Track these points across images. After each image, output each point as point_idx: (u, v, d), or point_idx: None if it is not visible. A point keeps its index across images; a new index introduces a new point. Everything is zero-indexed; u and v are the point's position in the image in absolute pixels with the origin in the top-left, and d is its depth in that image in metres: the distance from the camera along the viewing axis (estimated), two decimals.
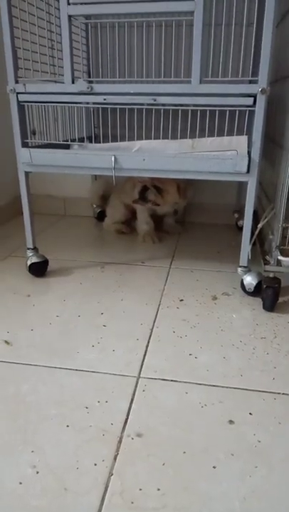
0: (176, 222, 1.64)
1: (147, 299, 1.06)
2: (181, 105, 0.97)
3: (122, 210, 1.58)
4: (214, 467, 0.58)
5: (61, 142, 1.07)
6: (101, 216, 1.67)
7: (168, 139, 1.00)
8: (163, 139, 1.00)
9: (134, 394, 0.72)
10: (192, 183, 1.45)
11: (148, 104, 0.98)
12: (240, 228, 1.63)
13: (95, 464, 0.58)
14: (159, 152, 0.99)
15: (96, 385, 0.74)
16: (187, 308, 1.01)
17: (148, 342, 0.87)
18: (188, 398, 0.71)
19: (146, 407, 0.69)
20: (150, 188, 1.35)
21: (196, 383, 0.75)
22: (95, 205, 1.73)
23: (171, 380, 0.76)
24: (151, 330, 0.92)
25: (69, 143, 1.06)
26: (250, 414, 0.68)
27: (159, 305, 1.03)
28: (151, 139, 1.01)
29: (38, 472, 0.56)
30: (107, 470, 0.57)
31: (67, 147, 1.08)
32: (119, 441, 0.62)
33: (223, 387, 0.74)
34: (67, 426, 0.65)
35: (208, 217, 1.71)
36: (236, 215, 1.64)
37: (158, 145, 1.00)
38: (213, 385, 0.75)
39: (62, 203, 1.79)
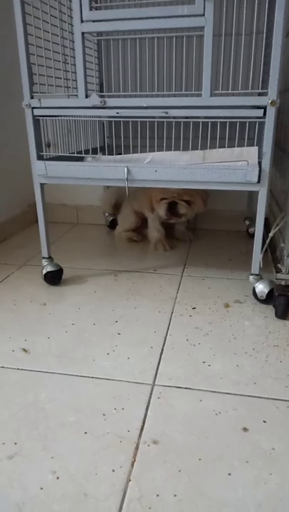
0: (188, 229, 1.66)
1: (160, 306, 1.08)
2: (192, 117, 0.99)
3: (133, 218, 1.60)
4: (229, 474, 0.60)
5: (75, 154, 1.10)
6: (113, 224, 1.70)
7: (179, 149, 1.02)
8: (174, 149, 1.03)
9: (149, 401, 0.74)
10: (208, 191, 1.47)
11: (160, 117, 1.00)
12: (251, 235, 1.64)
13: (113, 470, 0.60)
14: (170, 163, 1.02)
15: (112, 393, 0.76)
16: (200, 316, 1.03)
17: (162, 350, 0.89)
18: (203, 406, 0.73)
19: (162, 414, 0.71)
20: (179, 203, 1.37)
21: (210, 391, 0.76)
22: (107, 214, 1.75)
23: (186, 388, 0.77)
24: (165, 338, 0.94)
25: (83, 155, 1.09)
26: (264, 422, 0.69)
27: (172, 313, 1.05)
28: (162, 149, 1.04)
29: (58, 478, 0.58)
30: (125, 476, 0.59)
31: (80, 159, 1.11)
32: (136, 448, 0.63)
33: (236, 394, 0.76)
34: (85, 433, 0.66)
35: (219, 224, 1.72)
36: (247, 222, 1.65)
37: (169, 156, 1.02)
38: (227, 393, 0.76)
39: (75, 212, 1.82)
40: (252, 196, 1.64)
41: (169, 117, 0.99)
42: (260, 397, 0.75)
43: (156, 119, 1.00)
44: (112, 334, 0.95)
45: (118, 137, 1.09)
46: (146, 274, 1.29)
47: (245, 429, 0.68)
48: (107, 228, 1.75)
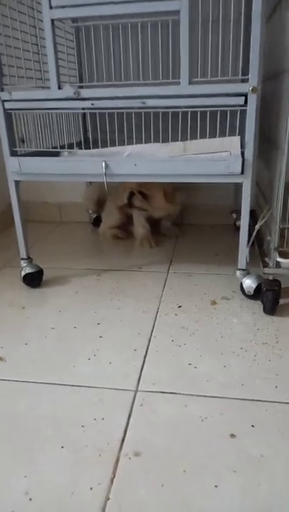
0: (174, 224, 1.62)
1: (145, 306, 1.04)
2: (172, 107, 0.94)
3: (117, 215, 1.56)
4: (216, 486, 0.56)
5: (50, 150, 1.05)
6: (97, 222, 1.65)
7: (160, 141, 0.98)
8: (155, 141, 0.98)
9: (131, 409, 0.70)
10: (182, 187, 1.43)
11: (137, 108, 0.95)
12: (239, 228, 1.60)
13: (91, 488, 0.55)
14: (150, 156, 0.97)
15: (92, 401, 0.72)
16: (186, 315, 0.99)
17: (146, 352, 0.85)
18: (188, 411, 0.69)
19: (144, 422, 0.67)
20: (136, 194, 1.33)
21: (196, 395, 0.73)
22: (90, 211, 1.70)
23: (170, 393, 0.73)
24: (149, 339, 0.89)
25: (58, 150, 1.04)
26: (252, 426, 0.66)
27: (157, 312, 1.01)
28: (142, 142, 0.99)
29: (31, 499, 0.54)
30: (104, 494, 0.55)
31: (57, 154, 1.06)
32: (116, 462, 0.59)
33: (223, 398, 0.72)
34: (62, 447, 0.62)
35: (206, 218, 1.68)
36: (234, 215, 1.61)
37: (149, 149, 0.97)
38: (214, 396, 0.72)
39: (58, 210, 1.77)
40: (238, 188, 1.59)
41: (146, 108, 0.94)
42: (247, 400, 0.71)
43: (133, 110, 0.95)
44: (94, 337, 0.91)
45: (96, 131, 1.04)
46: (130, 273, 1.24)
47: (232, 435, 0.64)
48: (91, 226, 1.70)
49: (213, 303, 1.04)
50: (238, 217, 1.60)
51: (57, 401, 0.72)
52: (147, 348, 0.86)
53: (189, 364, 0.81)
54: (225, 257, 1.34)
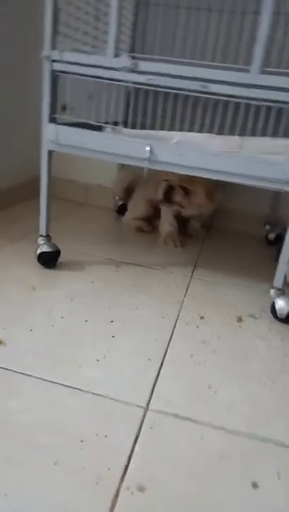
0: (202, 226, 1.51)
1: (164, 310, 0.94)
2: (234, 97, 0.84)
3: (144, 207, 1.46)
4: None
5: (93, 123, 0.95)
6: (122, 210, 1.55)
7: (213, 134, 0.88)
8: (207, 133, 0.88)
9: (139, 430, 0.60)
10: (223, 185, 1.32)
11: (196, 91, 0.85)
12: (271, 242, 1.50)
13: None
14: (200, 148, 0.87)
15: (96, 412, 0.63)
16: (208, 328, 0.89)
17: (161, 364, 0.75)
18: (205, 445, 0.59)
19: (153, 450, 0.57)
20: (176, 188, 1.23)
21: (215, 426, 0.63)
22: (117, 197, 1.61)
23: (186, 418, 0.64)
24: (166, 350, 0.80)
25: (102, 124, 0.94)
26: (278, 475, 0.56)
27: (177, 320, 0.91)
28: (193, 131, 0.89)
29: None
30: None
31: (98, 129, 0.96)
32: (116, 495, 0.50)
33: (246, 434, 0.62)
34: (55, 464, 0.53)
35: (237, 225, 1.57)
36: (268, 227, 1.50)
37: (200, 140, 0.87)
38: (235, 431, 0.62)
39: (84, 190, 1.67)
40: (278, 198, 1.49)
41: (207, 93, 0.84)
42: (274, 441, 0.61)
43: (191, 93, 0.85)
44: (106, 336, 0.81)
45: (144, 112, 0.94)
46: (152, 270, 1.15)
47: (254, 485, 0.54)
48: (115, 213, 1.61)
49: (239, 319, 0.94)
50: (272, 230, 1.50)
51: (56, 404, 0.63)
52: (163, 360, 0.77)
53: (209, 387, 0.71)
54: (254, 270, 1.24)
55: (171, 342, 0.83)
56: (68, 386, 0.67)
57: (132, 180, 1.53)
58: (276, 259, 1.33)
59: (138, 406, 0.65)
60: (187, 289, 1.06)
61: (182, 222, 1.44)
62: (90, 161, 1.62)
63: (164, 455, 0.57)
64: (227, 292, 1.07)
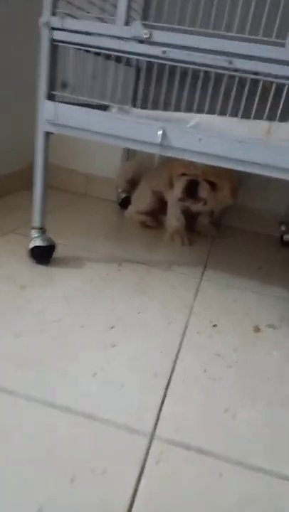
0: (211, 223, 1.40)
1: (172, 315, 0.83)
2: (265, 75, 0.73)
3: (149, 199, 1.35)
4: None
5: (98, 102, 0.84)
6: (125, 203, 1.44)
7: (236, 116, 0.77)
8: (230, 115, 0.77)
9: (144, 465, 0.50)
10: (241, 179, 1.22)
11: (219, 67, 0.74)
12: (286, 244, 1.39)
13: None
14: (222, 133, 0.76)
15: (92, 440, 0.52)
16: (222, 338, 0.78)
17: (169, 381, 0.65)
18: (224, 485, 0.49)
19: (161, 491, 0.47)
20: (201, 183, 1.11)
21: (234, 461, 0.52)
22: (120, 189, 1.50)
23: (199, 451, 0.53)
24: (175, 363, 0.69)
25: (108, 103, 0.83)
26: None
27: (186, 327, 0.80)
28: (214, 114, 0.78)
29: None
30: None
31: (103, 110, 0.85)
32: None
33: (271, 473, 0.52)
34: None
35: (248, 223, 1.47)
36: (283, 228, 1.40)
37: (222, 123, 0.76)
38: (259, 469, 0.52)
39: (84, 180, 1.56)
40: None
41: (232, 70, 0.73)
42: None
43: (213, 69, 0.74)
44: (105, 345, 0.71)
45: (158, 91, 0.83)
46: (157, 270, 1.04)
47: None
48: (118, 206, 1.50)
49: (257, 329, 0.84)
50: (287, 231, 1.39)
51: (43, 427, 0.52)
52: (171, 375, 0.66)
53: (226, 410, 0.61)
54: (270, 273, 1.13)
55: (180, 353, 0.72)
56: (58, 406, 0.56)
57: (137, 172, 1.42)
58: None
59: (142, 433, 0.54)
60: (197, 291, 0.96)
61: (190, 218, 1.33)
62: (92, 150, 1.52)
63: (174, 495, 0.46)
64: (241, 297, 0.96)
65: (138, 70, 1.08)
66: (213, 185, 1.12)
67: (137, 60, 0.81)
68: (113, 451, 0.51)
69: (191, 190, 1.13)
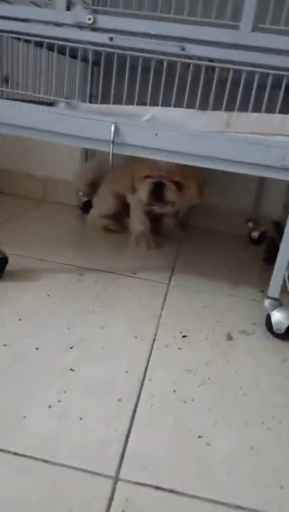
0: (177, 224, 1.34)
1: (138, 328, 0.76)
2: (219, 62, 0.67)
3: (111, 202, 1.28)
4: None
5: (42, 96, 0.75)
6: (87, 207, 1.36)
7: (194, 108, 0.70)
8: (186, 107, 0.71)
9: None
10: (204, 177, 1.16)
11: (172, 55, 0.67)
12: (254, 241, 1.35)
13: None
14: (179, 126, 0.69)
15: (46, 488, 0.44)
16: (193, 351, 0.72)
17: (135, 406, 0.57)
18: None
19: None
20: (167, 185, 1.04)
21: (213, 500, 0.46)
22: (81, 193, 1.41)
23: (170, 491, 0.46)
24: (142, 383, 0.62)
25: (54, 98, 0.75)
26: None
27: (154, 341, 0.73)
28: (170, 106, 0.71)
29: None
30: None
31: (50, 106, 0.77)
32: None
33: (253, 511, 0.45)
34: None
35: (216, 222, 1.41)
36: (250, 225, 1.35)
37: (179, 116, 0.70)
38: (238, 508, 0.45)
39: (42, 186, 1.47)
40: (261, 192, 1.34)
41: (185, 57, 0.67)
42: None
43: (166, 57, 0.68)
44: (63, 370, 0.63)
45: (107, 84, 0.76)
46: (122, 277, 0.96)
47: None
48: (79, 211, 1.41)
49: (229, 337, 0.78)
50: (255, 228, 1.34)
51: None
52: (138, 399, 0.59)
53: (199, 437, 0.54)
54: (240, 274, 1.08)
55: (147, 372, 0.65)
56: (5, 451, 0.48)
57: (97, 173, 1.34)
58: (265, 261, 1.19)
59: (105, 476, 0.47)
60: (165, 299, 0.89)
61: (154, 220, 1.27)
62: (48, 152, 1.43)
63: None
64: (211, 302, 0.90)
65: (84, 62, 1.00)
66: (179, 186, 1.06)
67: (83, 50, 0.73)
68: (71, 500, 0.43)
69: (156, 193, 1.06)
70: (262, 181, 1.32)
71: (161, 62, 0.70)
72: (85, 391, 0.59)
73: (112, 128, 0.70)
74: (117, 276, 0.97)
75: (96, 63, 0.77)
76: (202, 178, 1.11)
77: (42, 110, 0.72)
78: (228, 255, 1.21)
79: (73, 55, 0.75)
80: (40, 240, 1.11)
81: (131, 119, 0.71)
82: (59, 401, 0.56)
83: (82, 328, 0.74)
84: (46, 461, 0.47)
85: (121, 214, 1.29)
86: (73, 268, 0.97)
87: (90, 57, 0.75)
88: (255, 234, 1.33)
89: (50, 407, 0.55)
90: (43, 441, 0.50)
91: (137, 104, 0.72)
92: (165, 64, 0.69)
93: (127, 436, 0.52)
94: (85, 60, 0.84)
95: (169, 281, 0.98)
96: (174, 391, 0.61)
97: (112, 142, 0.71)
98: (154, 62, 0.70)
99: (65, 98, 0.75)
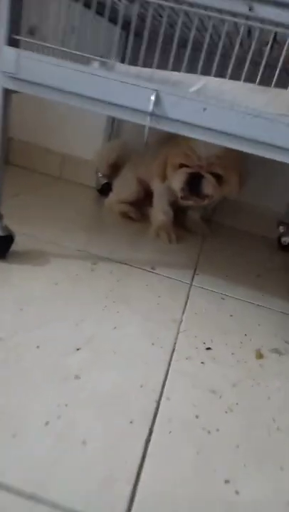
0: (202, 219, 1.23)
1: (155, 333, 0.66)
2: None
3: (134, 187, 1.17)
4: None
5: (75, 53, 0.64)
6: (106, 190, 1.25)
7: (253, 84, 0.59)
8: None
9: None
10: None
11: (235, 15, 0.56)
12: (284, 247, 1.24)
13: None
14: (234, 103, 0.58)
15: None
16: (218, 367, 0.62)
17: (150, 432, 0.47)
18: None
19: None
20: (206, 177, 0.93)
21: None
22: (100, 174, 1.30)
23: None
24: (158, 403, 0.52)
25: (86, 55, 0.64)
26: None
27: (174, 350, 0.63)
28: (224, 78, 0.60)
29: None
30: None
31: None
32: None
33: None
34: None
35: (243, 222, 1.30)
36: (281, 229, 1.24)
37: (235, 90, 0.59)
38: None
39: (60, 162, 1.36)
40: None
41: (252, 19, 0.55)
42: None
43: (228, 17, 0.56)
44: (66, 376, 0.53)
45: (151, 48, 0.65)
46: (139, 271, 0.86)
47: None
48: (97, 193, 1.31)
49: (259, 355, 0.67)
50: (286, 233, 1.23)
51: None
52: (153, 423, 0.49)
53: (226, 481, 0.44)
54: (269, 282, 0.97)
55: (165, 389, 0.55)
56: None
57: (121, 155, 1.23)
58: None
59: None
60: (186, 302, 0.78)
61: (179, 212, 1.16)
62: (69, 125, 1.32)
63: None
64: (238, 311, 0.80)
65: (126, 26, 0.89)
66: (218, 178, 0.94)
67: (124, 11, 0.62)
68: None
69: (192, 185, 0.94)
70: None
71: (217, 26, 0.58)
72: (91, 406, 0.49)
73: (153, 97, 0.59)
74: (133, 269, 0.86)
75: (141, 24, 0.66)
76: (244, 171, 0.99)
77: (72, 68, 0.61)
78: (256, 260, 1.10)
79: (113, 18, 0.64)
80: (51, 221, 1.00)
81: (176, 89, 0.60)
82: (58, 417, 0.46)
83: (92, 326, 0.64)
84: (32, 498, 0.37)
85: (142, 202, 1.18)
86: (86, 255, 0.87)
87: (134, 19, 0.63)
88: (286, 239, 1.22)
89: (47, 424, 0.45)
90: (33, 470, 0.40)
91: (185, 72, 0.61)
92: (225, 28, 0.57)
93: (138, 471, 0.42)
94: (125, 23, 0.72)
95: (192, 281, 0.87)
96: (197, 417, 0.51)
97: (151, 114, 0.60)
98: (212, 24, 0.58)
99: (101, 57, 0.64)
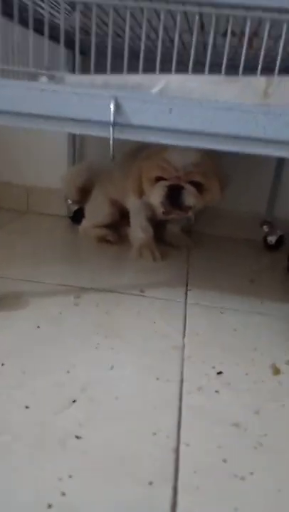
0: (182, 231, 1.17)
1: (158, 366, 0.58)
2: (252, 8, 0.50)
3: (107, 210, 1.10)
4: None
5: (20, 69, 0.58)
6: (78, 216, 1.18)
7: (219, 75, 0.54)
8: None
9: None
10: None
11: (188, 3, 0.51)
12: (270, 247, 1.19)
13: None
14: (202, 99, 0.52)
15: None
16: (234, 394, 0.54)
17: (175, 492, 0.39)
18: None
19: None
20: (186, 188, 0.87)
21: None
22: (70, 201, 1.23)
23: None
24: (177, 452, 0.44)
25: (35, 70, 0.57)
26: None
27: (182, 382, 0.55)
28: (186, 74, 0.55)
29: None
30: None
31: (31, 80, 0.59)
32: None
33: None
34: None
35: (224, 227, 1.25)
36: (265, 228, 1.19)
37: (201, 85, 0.53)
38: None
39: (25, 195, 1.29)
40: (276, 190, 1.18)
41: (211, 4, 0.50)
42: None
43: (180, 7, 0.51)
44: (64, 438, 0.44)
45: (101, 48, 0.59)
46: (127, 297, 0.79)
47: None
48: (69, 221, 1.23)
49: (276, 371, 0.60)
50: (271, 232, 1.18)
51: None
52: (176, 478, 0.41)
53: None
54: (263, 286, 0.91)
55: (181, 432, 0.47)
56: None
57: (88, 177, 1.17)
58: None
59: None
60: (185, 323, 0.71)
61: (156, 227, 1.09)
62: (31, 155, 1.26)
63: None
64: (240, 323, 0.73)
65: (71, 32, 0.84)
66: (198, 187, 0.89)
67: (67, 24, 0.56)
68: None
69: (172, 197, 0.88)
70: (277, 178, 1.16)
71: (171, 15, 0.53)
72: (99, 473, 0.41)
73: (112, 105, 0.53)
74: (121, 297, 0.79)
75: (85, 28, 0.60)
76: (224, 175, 0.94)
77: (17, 86, 0.54)
78: (245, 264, 1.04)
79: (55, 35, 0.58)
80: (24, 257, 0.92)
81: (136, 92, 0.54)
82: (63, 494, 0.38)
83: (86, 371, 0.56)
84: None
85: (118, 222, 1.11)
86: (67, 289, 0.79)
87: (78, 23, 0.57)
88: (272, 238, 1.17)
89: (50, 507, 0.37)
90: None
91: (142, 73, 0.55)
92: (179, 18, 0.52)
93: None
94: (70, 32, 0.67)
95: (186, 299, 0.80)
96: (224, 461, 0.43)
97: (113, 124, 0.54)
98: (164, 15, 0.53)
99: (47, 70, 0.57)
